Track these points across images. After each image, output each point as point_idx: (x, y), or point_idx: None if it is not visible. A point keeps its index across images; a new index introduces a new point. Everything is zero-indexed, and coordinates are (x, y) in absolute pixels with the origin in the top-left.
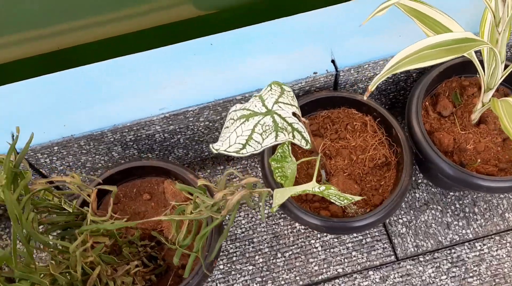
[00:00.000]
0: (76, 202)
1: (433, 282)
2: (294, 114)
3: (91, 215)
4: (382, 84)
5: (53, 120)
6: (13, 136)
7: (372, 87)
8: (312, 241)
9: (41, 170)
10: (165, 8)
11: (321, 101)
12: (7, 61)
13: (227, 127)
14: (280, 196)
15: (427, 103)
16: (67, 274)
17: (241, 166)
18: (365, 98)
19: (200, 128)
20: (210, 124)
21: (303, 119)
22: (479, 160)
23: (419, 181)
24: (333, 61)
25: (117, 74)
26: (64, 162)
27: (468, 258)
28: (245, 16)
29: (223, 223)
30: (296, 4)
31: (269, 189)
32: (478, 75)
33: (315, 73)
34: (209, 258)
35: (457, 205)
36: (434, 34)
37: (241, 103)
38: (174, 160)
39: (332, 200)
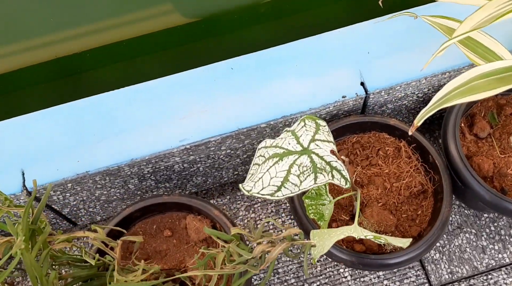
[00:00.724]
0: (94, 250)
1: None
2: (332, 152)
3: (117, 272)
4: (411, 103)
5: (66, 156)
6: (24, 184)
7: (418, 121)
8: (341, 270)
9: (53, 206)
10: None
11: (351, 126)
12: (7, 71)
13: (257, 164)
14: (321, 243)
15: (462, 125)
16: None
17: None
18: (410, 133)
19: (221, 156)
20: (232, 152)
21: (342, 157)
22: None
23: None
24: (362, 83)
25: (133, 104)
26: (77, 198)
27: (506, 284)
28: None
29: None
30: (298, 7)
31: (312, 242)
32: None
33: (343, 96)
34: None
35: (492, 228)
36: (475, 56)
37: (265, 130)
38: (192, 188)
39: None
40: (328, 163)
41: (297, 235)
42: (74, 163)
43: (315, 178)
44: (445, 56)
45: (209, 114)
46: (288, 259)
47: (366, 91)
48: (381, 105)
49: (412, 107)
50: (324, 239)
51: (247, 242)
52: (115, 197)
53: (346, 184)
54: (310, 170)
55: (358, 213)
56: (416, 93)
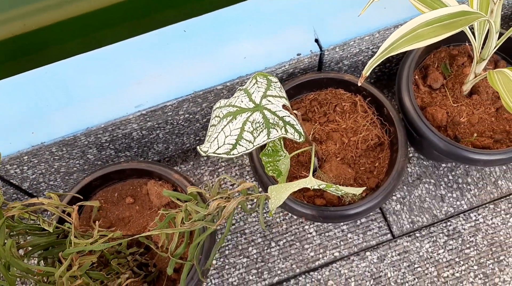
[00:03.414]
0: (55, 218)
1: (431, 257)
2: (284, 106)
3: (74, 235)
4: (367, 59)
5: (19, 128)
6: None
7: (366, 71)
8: (306, 227)
9: (11, 180)
10: None
11: (307, 83)
12: None
13: (213, 125)
14: (277, 196)
15: (416, 77)
16: None
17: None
18: (359, 83)
19: (180, 121)
20: (191, 116)
21: (294, 111)
22: (475, 135)
23: (410, 155)
24: (316, 40)
25: (86, 71)
26: (36, 170)
27: (464, 229)
28: None
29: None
30: None
31: (267, 194)
32: (467, 44)
33: (298, 54)
34: (204, 266)
35: (450, 177)
36: (424, 7)
37: (222, 92)
38: (154, 156)
39: (329, 191)
40: (281, 118)
41: (252, 190)
42: (29, 135)
43: (268, 133)
44: (397, 9)
45: (164, 78)
46: (254, 219)
47: (320, 48)
48: (337, 62)
49: (367, 62)
50: (281, 192)
51: (206, 202)
52: (75, 168)
53: (300, 138)
54: (263, 126)
55: (313, 164)
56: (370, 48)
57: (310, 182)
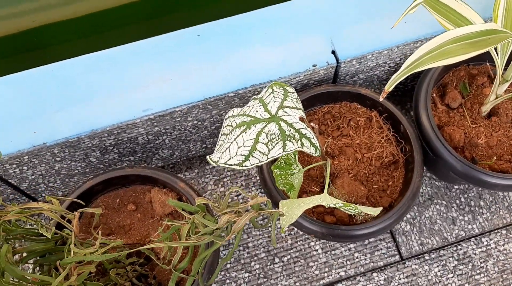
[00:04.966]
0: (54, 224)
1: (440, 282)
2: (301, 118)
3: (74, 243)
4: (383, 74)
5: (21, 127)
6: None
7: (389, 87)
8: (312, 244)
9: (10, 180)
10: None
11: (321, 95)
12: None
13: (225, 134)
14: (289, 212)
15: (434, 95)
16: None
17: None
18: (381, 99)
19: (188, 128)
20: (199, 123)
21: (311, 124)
22: (494, 158)
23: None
24: (333, 52)
25: (94, 72)
26: (36, 171)
27: (475, 254)
28: None
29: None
30: None
31: (280, 210)
32: (488, 64)
33: (314, 65)
34: (208, 282)
35: (462, 199)
36: (447, 23)
37: (234, 100)
38: (158, 161)
39: (341, 209)
40: (297, 131)
41: (265, 204)
42: (31, 134)
43: (284, 146)
44: (417, 24)
45: (174, 83)
46: (258, 233)
47: (337, 59)
48: (353, 75)
49: (384, 77)
50: (293, 209)
51: (214, 214)
52: (76, 171)
53: (316, 152)
54: (279, 138)
55: (328, 181)
56: (387, 62)
57: (325, 199)
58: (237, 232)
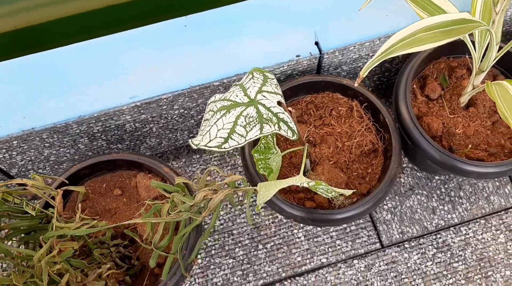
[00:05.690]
0: (39, 203)
1: (419, 269)
2: (279, 103)
3: (56, 219)
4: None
5: (10, 112)
6: None
7: (364, 72)
8: (295, 231)
9: (0, 166)
10: None
11: (304, 85)
12: None
13: (207, 119)
14: (265, 192)
15: (414, 86)
16: (32, 283)
17: (219, 155)
18: (356, 84)
19: (174, 116)
20: (185, 111)
21: (289, 108)
22: (470, 146)
23: (404, 165)
24: (316, 43)
25: (83, 60)
26: (25, 157)
27: (454, 243)
28: None
29: (203, 224)
30: None
31: (255, 188)
32: (467, 56)
33: (297, 56)
34: (188, 260)
35: (443, 190)
36: (426, 14)
37: (219, 89)
38: (146, 150)
39: (319, 192)
40: (275, 115)
41: (240, 183)
42: (20, 119)
43: (261, 128)
44: (399, 17)
45: (160, 71)
46: (243, 220)
47: (320, 51)
48: (336, 67)
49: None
50: (270, 189)
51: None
52: (65, 157)
53: (293, 135)
54: (256, 121)
55: (304, 163)
56: (370, 54)
57: (300, 180)
58: (214, 209)
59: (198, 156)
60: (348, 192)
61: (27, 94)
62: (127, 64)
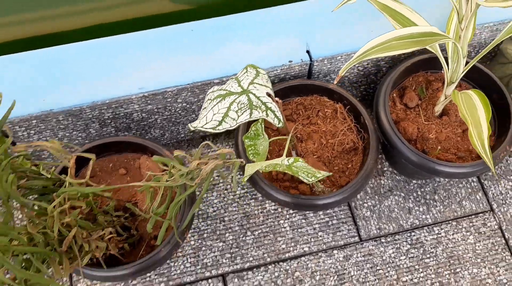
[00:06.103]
0: (55, 169)
1: (393, 262)
2: (268, 94)
3: (69, 179)
4: (353, 77)
5: (33, 95)
6: None
7: (342, 72)
8: (281, 221)
9: (18, 143)
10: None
11: (295, 88)
12: None
13: (205, 107)
14: (251, 168)
15: (394, 95)
16: (43, 234)
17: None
18: (335, 82)
19: (177, 109)
20: (187, 105)
21: (276, 99)
22: (439, 148)
23: (385, 169)
24: (308, 52)
25: (97, 55)
26: (41, 137)
27: (427, 240)
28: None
29: (196, 195)
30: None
31: (242, 160)
32: (442, 71)
33: (290, 61)
34: (181, 227)
35: (419, 192)
36: (399, 26)
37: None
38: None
39: (300, 177)
40: (264, 103)
41: (230, 157)
42: (40, 101)
43: (251, 113)
44: (381, 32)
45: (167, 67)
46: (234, 208)
47: (310, 58)
48: (325, 75)
49: (354, 80)
50: (255, 167)
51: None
52: (76, 141)
53: (279, 123)
54: (247, 107)
55: (287, 148)
56: (357, 66)
57: (282, 158)
58: (206, 177)
59: (197, 149)
60: (325, 173)
61: (48, 80)
62: (138, 59)
